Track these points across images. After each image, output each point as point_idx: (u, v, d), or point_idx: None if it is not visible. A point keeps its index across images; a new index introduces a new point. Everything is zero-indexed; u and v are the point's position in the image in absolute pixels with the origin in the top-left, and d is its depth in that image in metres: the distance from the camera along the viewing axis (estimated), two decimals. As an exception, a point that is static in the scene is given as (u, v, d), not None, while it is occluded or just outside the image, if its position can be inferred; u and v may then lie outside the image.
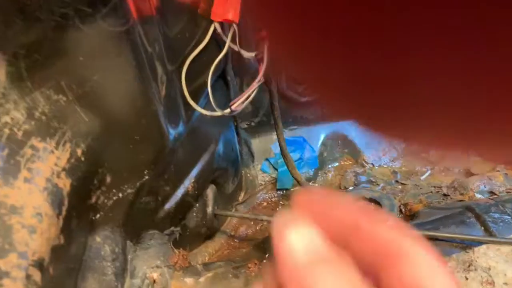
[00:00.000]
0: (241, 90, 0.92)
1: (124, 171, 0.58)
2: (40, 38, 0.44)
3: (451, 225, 0.72)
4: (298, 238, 0.22)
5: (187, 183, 0.73)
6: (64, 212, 0.49)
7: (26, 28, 0.42)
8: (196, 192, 0.76)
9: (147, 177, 0.61)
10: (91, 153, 0.52)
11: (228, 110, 0.71)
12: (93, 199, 0.56)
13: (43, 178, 0.47)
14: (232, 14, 0.61)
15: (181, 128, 0.69)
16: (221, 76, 0.80)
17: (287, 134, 1.05)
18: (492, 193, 0.87)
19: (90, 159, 0.52)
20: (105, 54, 0.51)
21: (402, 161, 1.05)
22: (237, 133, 0.94)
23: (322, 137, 1.06)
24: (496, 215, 0.72)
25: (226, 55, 0.78)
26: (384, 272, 0.21)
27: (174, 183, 0.71)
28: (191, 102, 0.63)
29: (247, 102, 0.71)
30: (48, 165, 0.47)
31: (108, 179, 0.57)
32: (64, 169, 0.49)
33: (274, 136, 0.95)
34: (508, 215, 0.73)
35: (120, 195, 0.59)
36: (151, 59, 0.57)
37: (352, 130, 1.06)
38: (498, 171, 0.94)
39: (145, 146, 0.60)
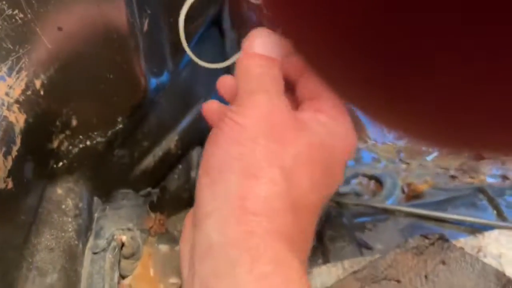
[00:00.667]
0: (237, 44, 0.84)
1: (93, 115, 0.50)
2: None
3: (460, 207, 0.65)
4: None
5: (170, 140, 0.65)
6: (14, 152, 0.41)
7: None
8: (180, 151, 0.68)
9: (121, 125, 0.54)
10: (53, 87, 0.45)
11: (224, 63, 0.62)
12: (55, 144, 0.48)
13: (-11, 108, 0.39)
14: None
15: (165, 77, 0.60)
16: (215, 24, 0.71)
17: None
18: (505, 177, 0.80)
19: (51, 94, 0.45)
20: None
21: (407, 140, 0.97)
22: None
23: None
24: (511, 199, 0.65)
25: (222, -1, 0.70)
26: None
27: (154, 138, 0.63)
28: (185, 46, 0.54)
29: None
30: (-3, 93, 0.40)
31: (74, 123, 0.49)
32: (17, 101, 0.41)
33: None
34: (526, 200, 0.65)
35: (88, 143, 0.51)
36: None
37: (356, 102, 0.99)
38: (513, 155, 0.86)
39: (119, 88, 0.51)
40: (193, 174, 0.72)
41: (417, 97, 0.16)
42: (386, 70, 0.15)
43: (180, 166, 0.70)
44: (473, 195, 0.67)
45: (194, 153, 0.74)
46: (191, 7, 0.58)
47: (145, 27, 0.53)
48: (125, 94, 0.53)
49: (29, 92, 0.42)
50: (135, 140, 0.59)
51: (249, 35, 0.46)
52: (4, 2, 0.39)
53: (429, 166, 0.89)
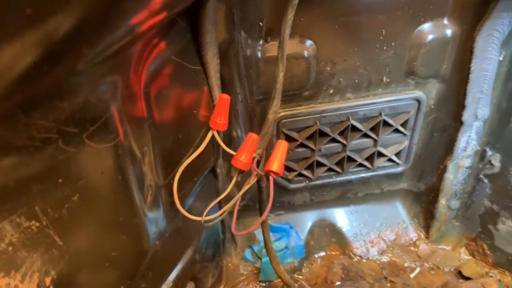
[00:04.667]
0: (228, 174, 0.88)
1: (98, 291, 0.52)
2: (14, 165, 0.38)
3: None
4: None
5: (166, 287, 0.67)
6: None
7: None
8: (175, 297, 0.69)
9: (123, 292, 0.55)
10: (62, 279, 0.46)
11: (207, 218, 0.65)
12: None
13: (2, 319, 0.40)
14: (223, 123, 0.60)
15: (163, 229, 0.63)
16: (211, 170, 0.75)
17: (274, 219, 1.00)
18: (486, 303, 0.83)
19: (60, 286, 0.46)
20: (88, 172, 0.45)
21: (390, 255, 1.00)
22: (221, 220, 0.88)
23: (309, 224, 1.01)
24: None
25: (217, 150, 0.74)
26: None
27: (151, 289, 0.64)
28: (188, 215, 0.58)
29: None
30: (10, 303, 0.41)
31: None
32: (28, 306, 0.42)
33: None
34: None
35: (91, 317, 0.52)
36: (139, 168, 0.52)
37: (340, 218, 1.02)
38: (491, 276, 0.90)
39: (123, 261, 0.54)
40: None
41: None
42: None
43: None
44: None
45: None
46: (194, 169, 0.62)
47: (149, 199, 0.56)
48: (128, 264, 0.55)
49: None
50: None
51: None
52: (22, 217, 0.41)
53: (413, 284, 0.92)
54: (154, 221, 0.59)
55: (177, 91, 0.58)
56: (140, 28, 0.40)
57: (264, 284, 0.93)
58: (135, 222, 0.53)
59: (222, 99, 0.60)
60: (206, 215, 0.63)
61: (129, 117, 0.48)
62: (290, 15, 0.60)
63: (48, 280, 0.45)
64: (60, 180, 0.43)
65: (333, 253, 1.00)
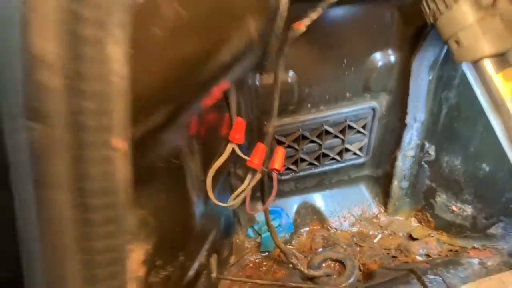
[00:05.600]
0: (235, 173, 1.15)
1: (169, 258, 0.78)
2: (152, 176, 0.64)
3: (399, 285, 0.97)
4: None
5: (202, 256, 0.93)
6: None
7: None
8: (207, 263, 0.96)
9: (181, 257, 0.81)
10: (154, 247, 0.72)
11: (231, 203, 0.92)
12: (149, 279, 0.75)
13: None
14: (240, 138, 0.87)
15: (202, 213, 0.89)
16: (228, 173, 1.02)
17: (268, 205, 1.28)
18: (428, 256, 1.14)
19: (156, 251, 0.72)
20: (173, 176, 0.72)
21: (358, 226, 1.30)
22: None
23: (295, 206, 1.30)
24: (431, 277, 0.98)
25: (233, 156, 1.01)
26: None
27: (192, 257, 0.90)
28: (217, 202, 0.85)
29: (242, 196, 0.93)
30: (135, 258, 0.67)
31: (159, 263, 0.76)
32: (143, 262, 0.68)
33: (258, 207, 1.20)
34: (440, 276, 0.98)
35: (165, 273, 0.78)
36: (194, 177, 0.79)
37: (319, 200, 1.31)
38: (432, 236, 1.21)
39: (183, 235, 0.80)
40: (213, 275, 1.00)
41: None
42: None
43: (204, 272, 0.97)
44: (407, 275, 0.99)
45: (212, 259, 1.02)
46: (220, 170, 0.89)
47: (196, 190, 0.82)
48: (183, 242, 0.81)
49: (148, 257, 0.69)
50: (184, 261, 0.87)
51: None
52: (140, 207, 0.67)
53: (376, 247, 1.22)
54: (198, 206, 0.85)
55: (211, 119, 0.84)
56: (203, 107, 0.67)
57: (264, 254, 1.21)
58: (191, 206, 0.80)
59: (239, 122, 0.87)
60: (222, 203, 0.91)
61: (188, 142, 0.75)
62: (282, 63, 0.87)
63: (149, 247, 0.71)
64: (161, 182, 0.69)
65: (315, 227, 1.29)
